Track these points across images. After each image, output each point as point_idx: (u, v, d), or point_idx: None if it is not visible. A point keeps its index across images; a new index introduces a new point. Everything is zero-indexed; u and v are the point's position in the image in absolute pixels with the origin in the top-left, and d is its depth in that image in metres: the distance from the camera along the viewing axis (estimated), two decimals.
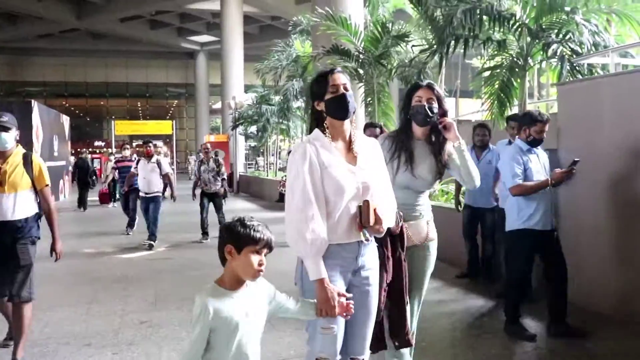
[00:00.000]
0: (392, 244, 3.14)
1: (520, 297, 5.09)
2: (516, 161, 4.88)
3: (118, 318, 5.64)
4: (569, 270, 5.92)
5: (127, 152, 14.14)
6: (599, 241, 5.54)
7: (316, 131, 2.81)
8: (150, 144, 10.71)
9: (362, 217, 2.65)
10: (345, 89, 2.76)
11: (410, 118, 3.38)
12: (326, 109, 2.77)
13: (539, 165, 4.98)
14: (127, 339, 4.97)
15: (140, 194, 10.38)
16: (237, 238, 2.25)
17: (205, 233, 10.68)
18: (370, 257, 2.82)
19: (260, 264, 2.25)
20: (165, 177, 10.50)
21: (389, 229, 2.92)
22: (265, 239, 2.25)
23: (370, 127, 6.43)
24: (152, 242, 9.91)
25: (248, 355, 2.28)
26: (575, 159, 4.83)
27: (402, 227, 3.17)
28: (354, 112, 2.79)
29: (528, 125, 4.94)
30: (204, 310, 2.17)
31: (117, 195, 17.76)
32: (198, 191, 11.12)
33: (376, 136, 6.04)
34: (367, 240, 2.72)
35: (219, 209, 10.88)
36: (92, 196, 18.77)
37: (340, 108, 2.76)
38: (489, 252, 6.86)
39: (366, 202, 2.66)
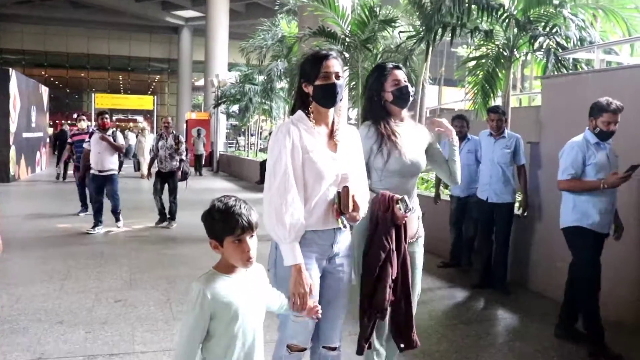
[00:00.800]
0: (397, 235, 3.00)
1: (588, 303, 4.49)
2: (573, 155, 4.41)
3: (92, 295, 5.57)
4: (542, 262, 6.00)
5: (83, 124, 12.40)
6: None
7: (300, 113, 2.76)
8: (106, 115, 9.56)
9: (342, 204, 2.63)
10: (337, 77, 2.70)
11: (386, 103, 3.21)
12: (314, 93, 2.71)
13: (605, 163, 4.40)
14: (101, 318, 4.91)
15: (93, 171, 9.24)
16: (213, 231, 2.12)
17: (164, 216, 9.96)
18: (344, 244, 2.81)
19: (245, 251, 2.10)
20: (120, 150, 9.61)
21: (393, 218, 2.91)
22: (241, 225, 2.06)
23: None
24: (119, 223, 9.49)
25: (249, 341, 2.17)
26: (634, 164, 4.18)
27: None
28: (340, 100, 2.75)
29: (595, 116, 4.38)
30: (202, 295, 2.05)
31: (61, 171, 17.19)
32: (155, 170, 10.12)
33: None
34: (344, 227, 2.70)
35: (171, 191, 9.94)
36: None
37: (328, 96, 2.71)
38: (472, 240, 6.93)
39: (346, 188, 2.63)
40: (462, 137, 6.81)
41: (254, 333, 2.19)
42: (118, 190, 9.44)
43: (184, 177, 10.17)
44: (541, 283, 6.03)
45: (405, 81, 3.19)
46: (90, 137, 9.44)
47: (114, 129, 9.66)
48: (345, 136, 2.82)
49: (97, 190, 9.24)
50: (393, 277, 2.96)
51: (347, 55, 11.59)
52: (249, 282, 2.19)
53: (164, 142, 9.92)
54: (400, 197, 2.97)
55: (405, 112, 3.27)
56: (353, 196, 2.65)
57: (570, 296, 4.73)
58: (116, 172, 9.45)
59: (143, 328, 4.69)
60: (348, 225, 2.74)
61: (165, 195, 9.90)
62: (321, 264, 2.73)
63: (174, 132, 10.18)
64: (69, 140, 12.73)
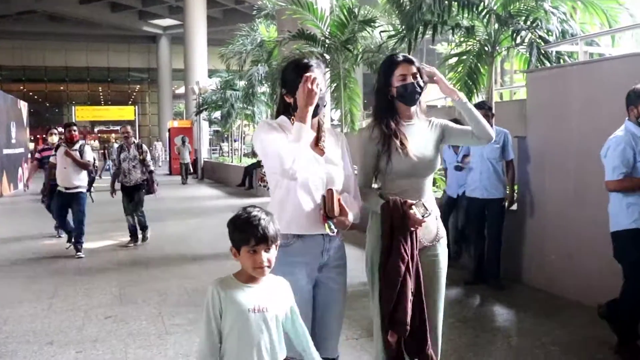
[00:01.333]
0: (411, 242, 2.81)
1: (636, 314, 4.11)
2: (620, 151, 3.98)
3: (82, 313, 5.46)
4: (535, 256, 6.01)
5: (54, 139, 10.61)
6: (565, 229, 5.60)
7: (283, 118, 2.73)
8: (74, 128, 8.61)
9: (327, 207, 2.57)
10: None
11: (393, 99, 2.97)
12: (294, 103, 2.66)
13: None
14: (92, 336, 4.80)
15: (59, 188, 8.37)
16: (231, 239, 2.14)
17: (135, 237, 9.07)
18: (337, 253, 2.74)
19: (257, 262, 2.09)
20: (86, 167, 8.44)
21: (409, 224, 2.76)
22: (258, 236, 2.07)
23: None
24: (79, 254, 8.13)
25: (264, 353, 2.13)
26: None
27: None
28: (324, 107, 2.69)
29: (634, 104, 3.99)
30: (214, 294, 2.09)
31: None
32: (120, 185, 9.14)
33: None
34: (332, 232, 2.61)
35: (136, 206, 9.01)
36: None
37: None
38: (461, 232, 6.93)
39: (330, 191, 2.57)
40: None
41: (269, 346, 2.13)
42: (85, 210, 8.33)
43: (150, 190, 9.19)
44: (535, 277, 6.03)
45: (414, 76, 2.90)
46: (56, 151, 8.53)
47: (83, 142, 8.68)
48: (331, 140, 2.77)
49: (60, 209, 8.46)
50: (413, 290, 2.78)
51: (327, 56, 11.56)
52: (265, 294, 2.15)
53: (126, 153, 9.01)
54: (414, 201, 2.82)
55: (414, 109, 3.00)
56: (339, 199, 2.59)
57: (626, 315, 4.17)
58: (84, 190, 8.40)
59: (136, 344, 4.59)
60: (336, 231, 2.65)
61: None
62: (313, 275, 2.67)
63: (136, 141, 9.30)
64: (37, 155, 10.80)
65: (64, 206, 8.38)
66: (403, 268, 2.73)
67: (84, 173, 8.42)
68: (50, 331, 4.95)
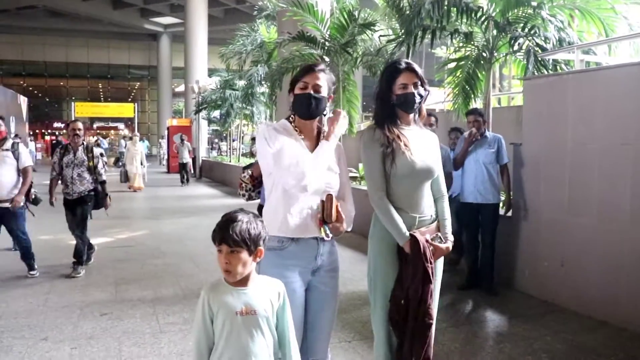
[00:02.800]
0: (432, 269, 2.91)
1: None
2: None
3: (77, 310, 5.48)
4: (528, 262, 6.06)
5: None
6: (558, 237, 5.66)
7: (284, 121, 2.80)
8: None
9: (325, 212, 2.61)
10: (315, 89, 2.69)
11: (393, 105, 3.00)
12: (292, 102, 2.75)
13: None
14: (87, 333, 4.83)
15: None
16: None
17: (79, 261, 6.99)
18: (330, 257, 2.78)
19: (222, 262, 2.12)
20: (23, 174, 6.66)
21: (432, 257, 2.89)
22: (219, 237, 2.11)
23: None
24: (32, 273, 6.75)
25: (252, 356, 2.15)
26: None
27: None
28: (323, 113, 2.74)
29: None
30: (204, 298, 2.15)
31: None
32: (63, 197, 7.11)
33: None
34: (327, 236, 2.66)
35: (79, 224, 7.01)
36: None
37: (302, 106, 2.72)
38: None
39: (329, 196, 2.62)
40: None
41: (257, 349, 2.15)
42: (26, 230, 6.77)
43: (99, 204, 7.20)
44: (528, 284, 6.07)
45: (415, 85, 2.94)
46: None
47: (17, 141, 6.97)
48: (330, 149, 2.78)
49: None
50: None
51: (327, 59, 11.61)
52: (252, 297, 2.18)
53: (70, 157, 7.00)
54: (432, 235, 2.94)
55: (412, 115, 3.05)
56: (337, 206, 2.63)
57: None
58: (21, 202, 6.61)
59: (130, 342, 4.62)
60: (331, 236, 2.69)
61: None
62: (306, 278, 2.70)
63: (85, 142, 7.28)
64: None
65: None
66: (419, 294, 2.88)
67: (18, 178, 6.65)
68: (45, 327, 4.97)
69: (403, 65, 2.98)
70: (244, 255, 2.12)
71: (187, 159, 21.51)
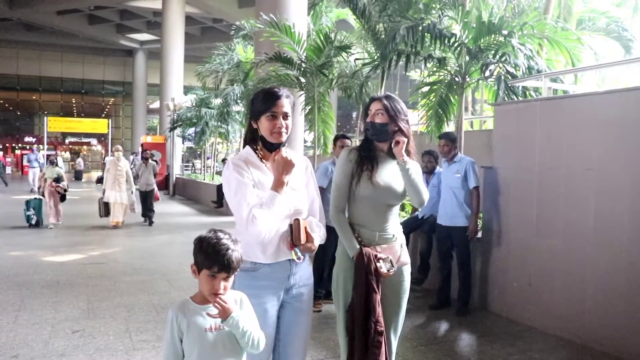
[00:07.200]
0: (377, 283, 3.04)
1: None
2: None
3: (48, 327, 5.45)
4: (498, 283, 6.20)
5: None
6: (526, 257, 5.82)
7: (247, 149, 2.77)
8: None
9: (293, 236, 2.66)
10: (285, 117, 2.68)
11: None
12: (260, 131, 2.73)
13: None
14: (58, 350, 4.80)
15: None
16: (195, 258, 2.23)
17: None
18: (303, 274, 2.80)
19: (214, 288, 2.18)
20: None
21: (377, 275, 3.00)
22: (220, 264, 2.16)
23: (341, 139, 6.41)
24: None
25: None
26: None
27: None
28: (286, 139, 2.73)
29: None
30: (173, 319, 2.21)
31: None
32: None
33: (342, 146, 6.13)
34: (298, 259, 2.70)
35: None
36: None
37: (275, 142, 2.71)
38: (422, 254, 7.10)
39: (297, 221, 2.65)
40: (430, 172, 7.08)
41: None
42: None
43: None
44: (497, 304, 6.20)
45: (379, 114, 3.10)
46: None
47: None
48: (297, 168, 2.76)
49: None
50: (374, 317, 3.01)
51: (303, 80, 11.73)
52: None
53: None
54: (384, 256, 3.05)
55: (387, 145, 3.16)
56: (305, 228, 2.67)
57: None
58: None
59: (103, 359, 4.62)
60: (302, 257, 2.73)
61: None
62: (279, 295, 2.72)
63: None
64: None
65: None
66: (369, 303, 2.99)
67: None
68: (15, 344, 4.92)
69: (374, 97, 3.22)
70: (232, 279, 2.25)
71: (151, 185, 14.22)
